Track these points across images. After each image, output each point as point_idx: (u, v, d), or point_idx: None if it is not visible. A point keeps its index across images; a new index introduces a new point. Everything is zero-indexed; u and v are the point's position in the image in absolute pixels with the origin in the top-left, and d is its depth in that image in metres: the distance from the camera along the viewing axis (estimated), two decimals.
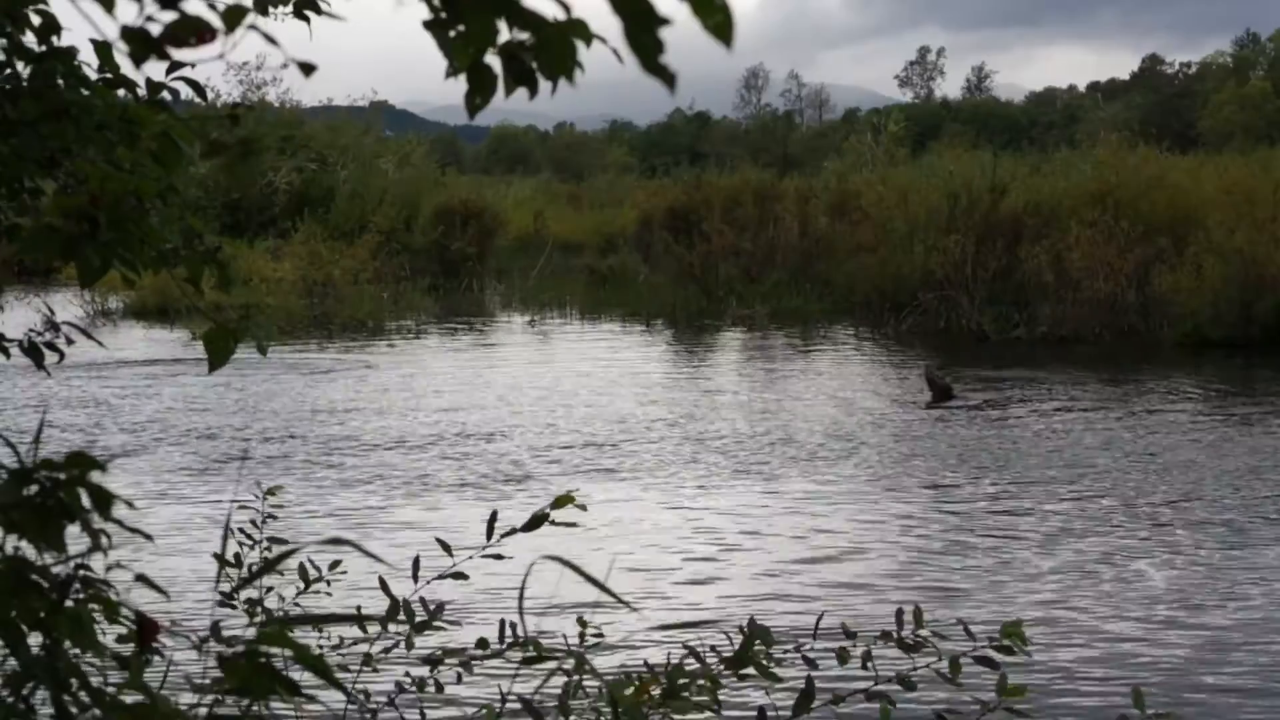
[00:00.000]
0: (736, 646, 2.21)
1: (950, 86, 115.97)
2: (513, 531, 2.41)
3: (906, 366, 17.27)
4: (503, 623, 2.44)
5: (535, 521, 2.40)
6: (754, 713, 2.18)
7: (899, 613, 2.30)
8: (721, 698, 2.20)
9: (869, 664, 2.25)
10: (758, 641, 2.22)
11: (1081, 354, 18.26)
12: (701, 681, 2.14)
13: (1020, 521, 9.02)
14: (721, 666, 2.20)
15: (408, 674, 2.57)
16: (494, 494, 9.92)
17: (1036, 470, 10.62)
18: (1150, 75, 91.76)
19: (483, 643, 2.47)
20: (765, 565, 8.04)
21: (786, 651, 2.28)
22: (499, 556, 2.43)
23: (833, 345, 20.01)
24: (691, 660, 2.22)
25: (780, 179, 32.66)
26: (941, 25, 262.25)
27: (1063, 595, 7.38)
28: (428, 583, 2.55)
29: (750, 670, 2.20)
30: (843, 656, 2.27)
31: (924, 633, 2.27)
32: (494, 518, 2.46)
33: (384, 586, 2.49)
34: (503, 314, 25.40)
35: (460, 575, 2.57)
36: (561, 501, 2.40)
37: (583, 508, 2.39)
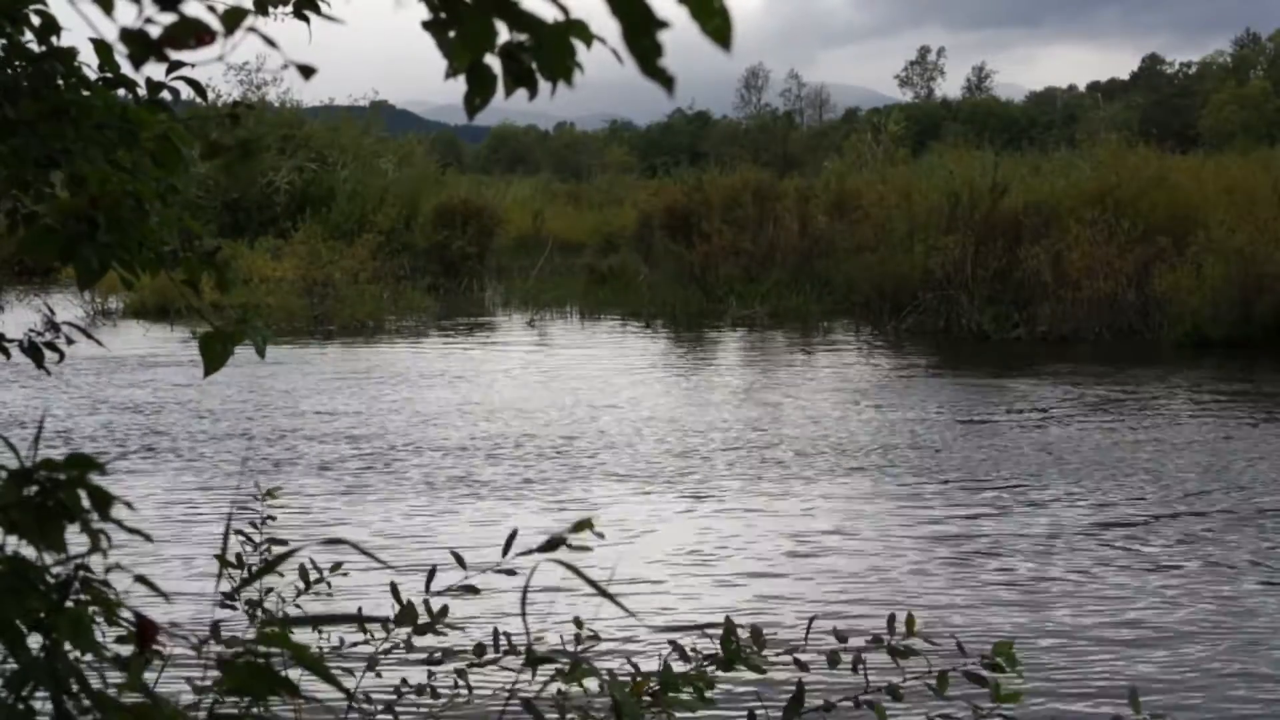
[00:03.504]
0: (727, 647, 2.22)
1: (950, 86, 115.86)
2: (529, 552, 2.42)
3: (907, 368, 17.27)
4: (496, 631, 2.44)
5: (552, 544, 2.42)
6: (744, 714, 2.18)
7: (891, 618, 2.30)
8: (713, 701, 2.20)
9: (859, 668, 2.25)
10: (743, 640, 2.23)
11: (1081, 354, 18.26)
12: (691, 682, 2.14)
13: (1019, 522, 9.02)
14: (712, 667, 2.20)
15: (404, 680, 2.57)
16: (493, 496, 9.92)
17: (1035, 470, 10.61)
18: (1150, 75, 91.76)
19: (480, 649, 2.47)
20: (764, 569, 8.04)
21: (779, 654, 2.28)
22: (512, 572, 2.43)
23: (833, 345, 20.01)
24: (680, 659, 2.23)
25: (780, 179, 32.62)
26: (943, 25, 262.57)
27: (1060, 596, 7.37)
28: (438, 593, 2.55)
29: (739, 667, 2.20)
30: (833, 660, 2.27)
31: (914, 641, 2.27)
32: (513, 536, 2.47)
33: (395, 593, 2.49)
34: (503, 314, 25.40)
35: (471, 589, 2.56)
36: (580, 527, 2.41)
37: (601, 535, 2.41)
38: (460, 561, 2.51)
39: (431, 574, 2.52)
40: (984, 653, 2.26)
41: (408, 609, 2.49)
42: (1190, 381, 15.51)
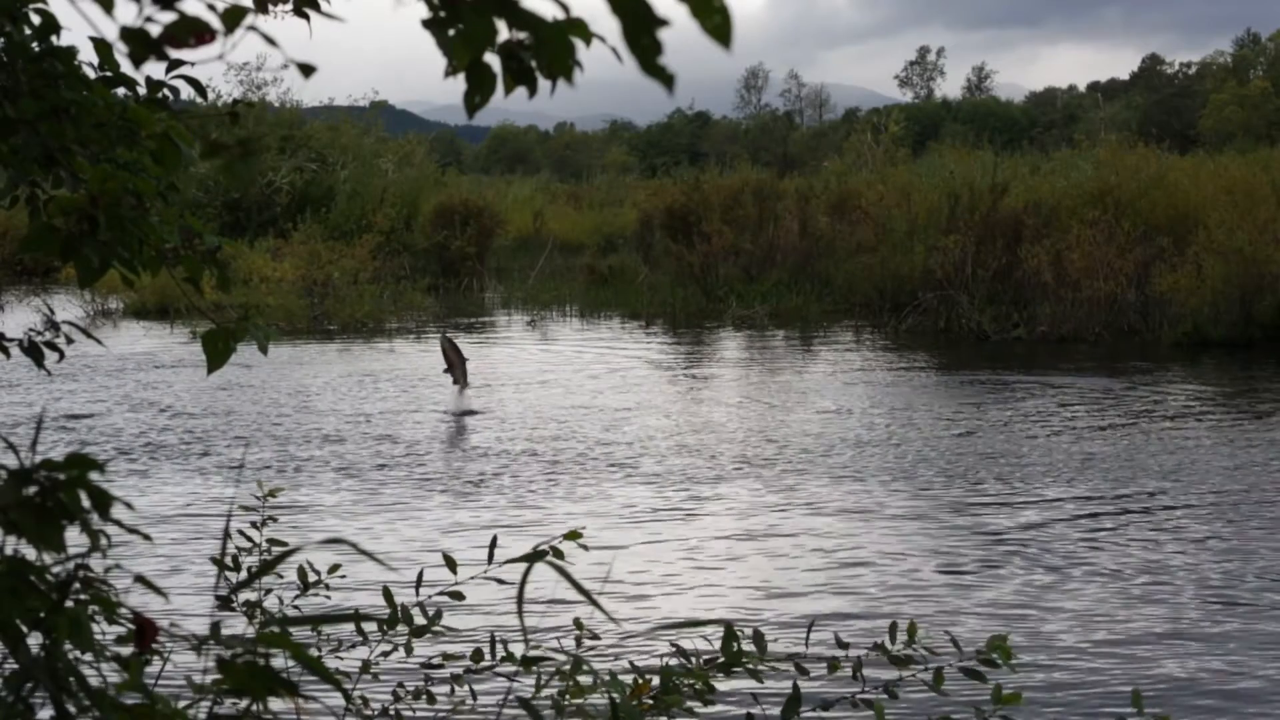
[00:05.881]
0: (728, 651, 2.22)
1: (950, 86, 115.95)
2: (512, 561, 2.44)
3: (907, 368, 17.27)
4: (493, 637, 2.45)
5: (536, 555, 2.44)
6: (742, 715, 2.18)
7: (893, 626, 2.30)
8: (711, 702, 2.20)
9: (859, 674, 2.25)
10: (744, 645, 2.23)
11: (1081, 354, 18.26)
12: (691, 683, 2.14)
13: (1018, 523, 9.02)
14: (713, 671, 2.20)
15: (401, 684, 2.57)
16: (494, 496, 9.92)
17: (1036, 471, 10.61)
18: (1150, 75, 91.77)
19: (478, 654, 2.48)
20: (764, 570, 8.04)
21: (778, 660, 2.28)
22: (500, 581, 2.44)
23: (832, 345, 20.00)
24: (680, 660, 2.23)
25: (780, 179, 32.65)
26: (945, 25, 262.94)
27: (1060, 596, 7.37)
28: (429, 597, 2.57)
29: (738, 670, 2.20)
30: (834, 666, 2.27)
31: (915, 649, 2.27)
32: (494, 543, 2.49)
33: (388, 596, 2.50)
34: (503, 314, 25.39)
35: (458, 595, 2.59)
36: (570, 536, 2.45)
37: (585, 548, 2.45)
38: (451, 565, 2.53)
39: (420, 577, 2.53)
40: (979, 649, 2.27)
41: (400, 612, 2.50)
42: (1190, 382, 15.51)
